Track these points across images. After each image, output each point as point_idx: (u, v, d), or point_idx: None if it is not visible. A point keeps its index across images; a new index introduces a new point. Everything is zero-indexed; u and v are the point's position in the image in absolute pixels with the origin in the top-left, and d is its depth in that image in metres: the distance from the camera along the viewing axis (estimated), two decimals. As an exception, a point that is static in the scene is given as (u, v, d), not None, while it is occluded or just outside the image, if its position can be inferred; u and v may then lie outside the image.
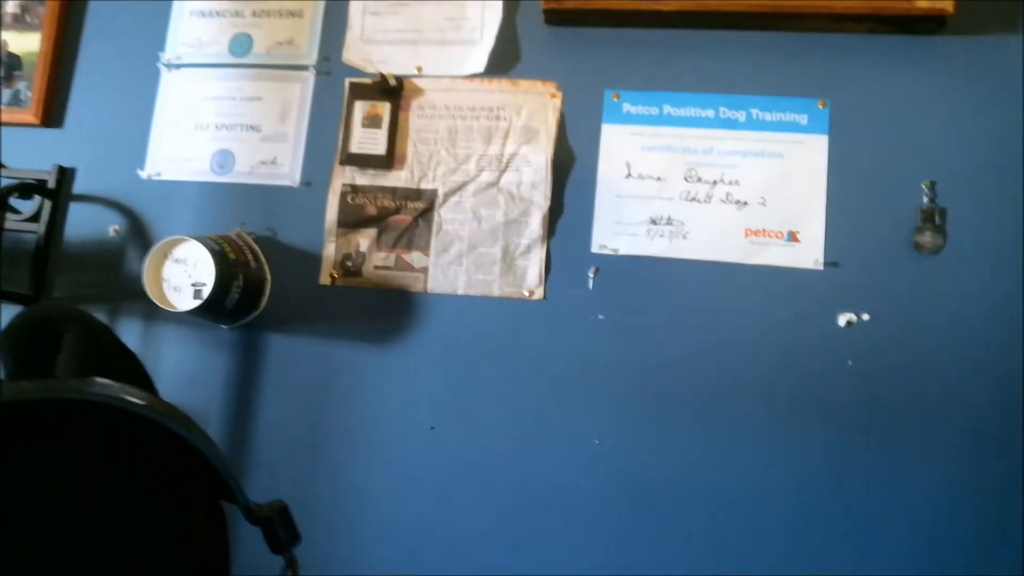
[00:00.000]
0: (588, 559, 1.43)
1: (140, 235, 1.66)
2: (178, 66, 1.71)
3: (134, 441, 0.50)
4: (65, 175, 1.68)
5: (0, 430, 0.46)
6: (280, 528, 0.61)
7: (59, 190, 1.67)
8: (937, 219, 1.42)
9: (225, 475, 0.54)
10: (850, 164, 1.46)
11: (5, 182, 1.61)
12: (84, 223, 1.68)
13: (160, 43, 1.72)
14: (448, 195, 1.56)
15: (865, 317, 1.42)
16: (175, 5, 1.73)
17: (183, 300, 1.45)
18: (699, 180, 1.49)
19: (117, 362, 0.63)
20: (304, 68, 1.66)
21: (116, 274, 1.65)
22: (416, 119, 1.59)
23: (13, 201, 1.64)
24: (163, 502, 0.52)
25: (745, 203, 1.47)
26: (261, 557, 0.63)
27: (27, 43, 1.73)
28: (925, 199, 1.43)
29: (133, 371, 0.64)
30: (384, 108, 1.59)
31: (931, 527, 1.36)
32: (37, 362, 0.58)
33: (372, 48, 1.64)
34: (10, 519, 0.44)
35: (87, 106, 1.73)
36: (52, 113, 1.72)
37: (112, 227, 1.67)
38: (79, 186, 1.68)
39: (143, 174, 1.68)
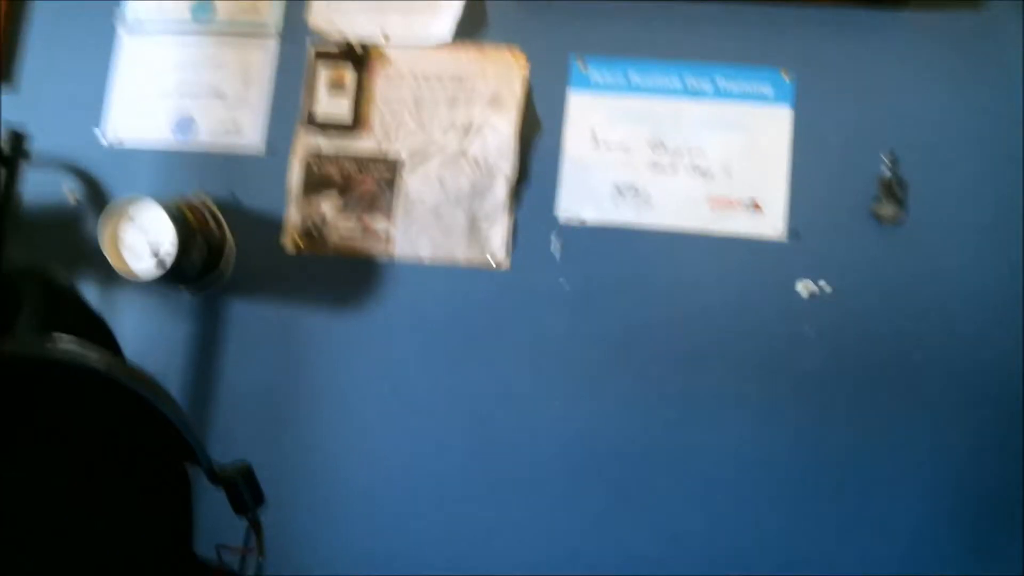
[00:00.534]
0: (554, 526, 1.45)
1: (100, 202, 1.63)
2: (139, 30, 1.67)
3: (95, 401, 0.49)
4: (19, 139, 1.63)
5: None
6: (244, 490, 0.60)
7: (14, 155, 1.62)
8: (896, 191, 1.44)
9: (188, 436, 0.54)
10: (813, 135, 1.47)
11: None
12: (41, 190, 1.64)
13: (119, 3, 1.67)
14: (413, 162, 1.55)
15: (826, 287, 1.43)
16: (135, -33, 1.69)
17: (143, 265, 1.42)
18: (664, 149, 1.50)
19: (80, 321, 0.61)
20: (268, 34, 1.63)
21: (75, 241, 1.62)
22: (381, 85, 1.57)
23: (-35, 166, 1.60)
24: (123, 462, 0.51)
25: (710, 172, 1.48)
26: (226, 519, 0.62)
27: (-21, 2, 1.68)
28: (885, 171, 1.44)
29: (97, 330, 0.63)
30: (349, 74, 1.57)
31: (898, 495, 1.39)
32: None
33: (337, 13, 1.61)
34: None
35: (42, 66, 1.68)
36: (4, 74, 1.67)
37: (71, 194, 1.63)
38: (34, 150, 1.64)
39: (103, 140, 1.64)
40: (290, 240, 1.56)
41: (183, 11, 1.66)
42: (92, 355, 0.48)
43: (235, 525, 0.65)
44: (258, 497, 0.62)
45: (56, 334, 0.51)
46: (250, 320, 1.56)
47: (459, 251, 1.51)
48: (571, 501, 1.45)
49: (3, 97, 1.66)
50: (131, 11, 1.67)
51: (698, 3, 1.51)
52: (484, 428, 1.48)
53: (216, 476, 0.58)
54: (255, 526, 0.62)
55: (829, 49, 1.49)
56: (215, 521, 0.64)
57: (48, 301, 0.59)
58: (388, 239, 1.53)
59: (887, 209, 1.44)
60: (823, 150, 1.47)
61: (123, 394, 0.50)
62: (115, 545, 0.47)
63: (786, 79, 1.49)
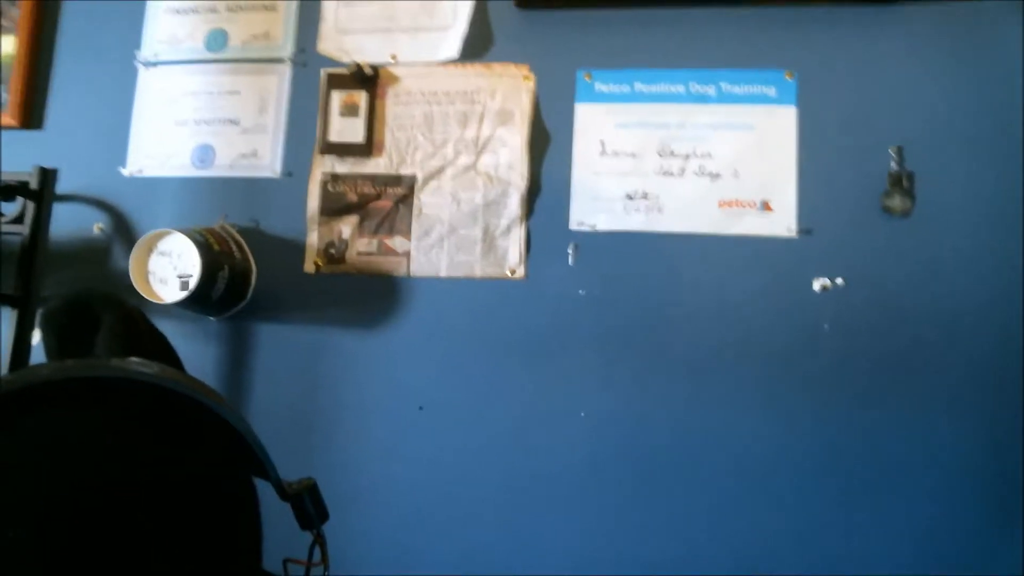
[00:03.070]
0: (577, 532, 1.46)
1: (125, 232, 1.67)
2: (155, 63, 1.72)
3: (169, 418, 0.52)
4: (47, 176, 1.68)
5: (45, 406, 0.48)
6: (309, 505, 0.62)
7: (42, 191, 1.67)
8: (905, 183, 1.45)
9: (258, 451, 0.56)
10: (819, 133, 1.49)
11: (-13, 185, 1.62)
12: (69, 223, 1.69)
13: (136, 41, 1.73)
14: (427, 179, 1.58)
15: (840, 282, 1.45)
16: (149, 3, 1.74)
17: (170, 292, 1.46)
18: (672, 154, 1.52)
19: (151, 343, 0.64)
20: (280, 60, 1.67)
21: (103, 271, 1.67)
22: (393, 106, 1.61)
23: (-4, 203, 1.65)
24: (198, 477, 0.53)
25: (718, 175, 1.50)
26: (287, 534, 0.64)
27: (2, 45, 1.74)
28: (893, 164, 1.46)
29: (165, 352, 0.66)
30: (361, 97, 1.61)
31: (918, 485, 1.39)
32: (77, 344, 0.60)
33: (347, 38, 1.65)
34: (48, 492, 0.46)
35: (66, 106, 1.74)
36: (31, 114, 1.73)
37: (96, 225, 1.68)
38: (62, 186, 1.69)
39: (125, 172, 1.69)
40: (310, 261, 1.60)
41: (197, 42, 1.71)
42: (168, 373, 0.51)
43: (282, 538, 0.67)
44: (323, 513, 0.64)
45: (132, 356, 0.54)
46: (274, 341, 1.59)
47: (476, 264, 1.54)
48: (593, 505, 1.46)
49: (30, 137, 1.72)
50: (147, 46, 1.72)
51: (698, 9, 1.54)
52: (508, 437, 1.50)
53: (285, 492, 0.60)
54: (320, 541, 0.64)
55: (830, 47, 1.51)
56: (281, 535, 0.66)
57: (124, 325, 0.62)
58: (406, 256, 1.57)
59: (897, 201, 1.45)
60: (830, 147, 1.48)
61: (197, 411, 0.52)
62: (187, 560, 0.50)
63: (789, 79, 1.51)
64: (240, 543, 0.56)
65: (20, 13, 1.74)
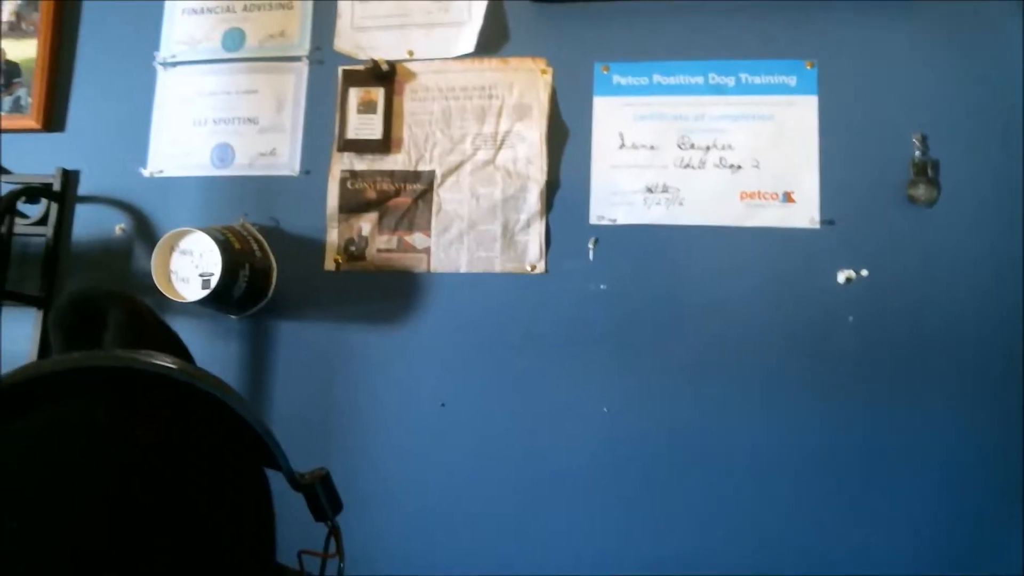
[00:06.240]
0: (601, 530, 1.46)
1: (146, 232, 1.68)
2: (173, 64, 1.73)
3: (177, 410, 0.52)
4: (69, 177, 1.71)
5: (51, 398, 0.48)
6: (323, 495, 0.62)
7: (64, 193, 1.70)
8: (930, 171, 1.43)
9: (269, 442, 0.55)
10: (841, 122, 1.47)
11: (10, 188, 1.64)
12: (91, 224, 1.71)
13: (155, 42, 1.74)
14: (446, 175, 1.58)
15: (864, 273, 1.43)
16: (167, 4, 1.75)
17: (191, 291, 1.47)
18: (692, 146, 1.51)
19: (160, 338, 0.64)
20: (297, 59, 1.68)
21: (125, 272, 1.68)
22: (410, 102, 1.61)
23: (20, 206, 1.67)
24: (207, 469, 0.53)
25: (739, 167, 1.49)
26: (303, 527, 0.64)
27: (24, 50, 1.76)
28: (917, 152, 1.44)
29: (175, 346, 0.65)
30: (378, 93, 1.61)
31: (938, 479, 1.38)
32: (84, 339, 0.59)
33: (362, 35, 1.65)
34: (57, 483, 0.46)
35: (87, 108, 1.75)
36: (53, 117, 1.75)
37: (118, 226, 1.69)
38: (83, 187, 1.71)
39: (145, 172, 1.70)
40: (330, 259, 1.60)
41: (214, 42, 1.72)
42: (176, 364, 0.51)
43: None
44: (336, 503, 0.63)
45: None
46: (294, 339, 1.60)
47: (496, 260, 1.54)
48: (617, 502, 1.46)
49: (52, 139, 1.73)
50: (166, 47, 1.73)
51: (715, 0, 1.52)
52: (530, 432, 1.49)
53: (297, 482, 0.60)
54: (334, 532, 0.64)
55: (851, 35, 1.49)
56: (299, 528, 0.66)
57: (132, 321, 0.62)
58: (426, 253, 1.57)
59: (922, 190, 1.43)
60: (852, 136, 1.47)
61: (206, 402, 0.52)
62: (197, 553, 0.50)
63: (809, 68, 1.49)
64: (251, 535, 0.56)
65: (40, 17, 1.76)
